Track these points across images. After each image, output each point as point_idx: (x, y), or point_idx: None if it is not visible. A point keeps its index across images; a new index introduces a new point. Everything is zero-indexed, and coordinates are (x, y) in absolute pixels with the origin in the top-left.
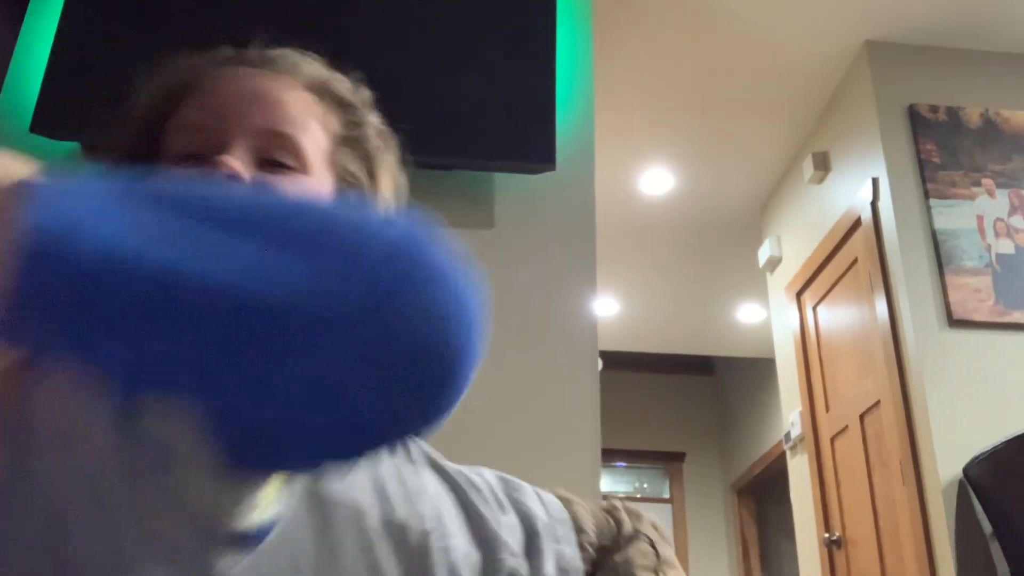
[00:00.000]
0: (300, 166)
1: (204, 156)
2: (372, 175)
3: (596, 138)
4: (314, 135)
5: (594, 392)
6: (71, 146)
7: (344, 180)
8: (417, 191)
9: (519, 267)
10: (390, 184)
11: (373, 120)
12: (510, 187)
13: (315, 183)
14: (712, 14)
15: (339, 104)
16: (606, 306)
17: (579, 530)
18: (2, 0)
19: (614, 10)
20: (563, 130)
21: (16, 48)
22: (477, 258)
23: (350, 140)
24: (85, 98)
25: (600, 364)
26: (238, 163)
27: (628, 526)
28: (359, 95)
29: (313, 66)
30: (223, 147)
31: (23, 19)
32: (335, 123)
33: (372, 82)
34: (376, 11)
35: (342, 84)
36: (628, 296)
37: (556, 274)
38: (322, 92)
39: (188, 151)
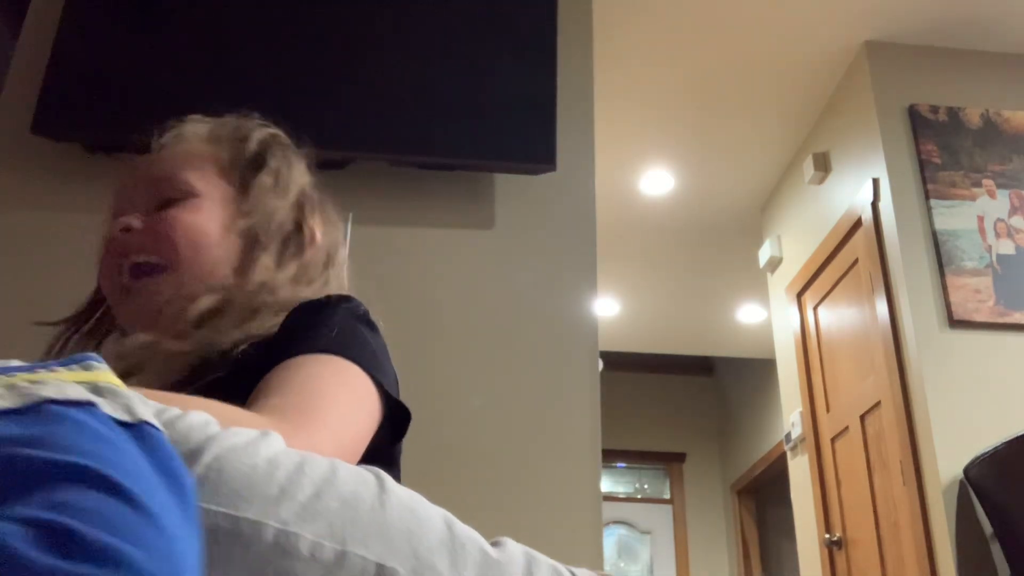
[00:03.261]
0: None
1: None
2: None
3: (596, 138)
4: None
5: (594, 392)
6: (71, 146)
7: None
8: (418, 191)
9: (519, 267)
10: None
11: None
12: (510, 187)
13: None
14: (712, 14)
15: None
16: (606, 306)
17: None
18: (2, 0)
19: (614, 10)
20: (563, 130)
21: (16, 48)
22: (477, 258)
23: None
24: (85, 98)
25: (600, 364)
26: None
27: None
28: None
29: None
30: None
31: (23, 19)
32: None
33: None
34: (376, 13)
35: None
36: (628, 296)
37: (556, 274)
38: None
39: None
